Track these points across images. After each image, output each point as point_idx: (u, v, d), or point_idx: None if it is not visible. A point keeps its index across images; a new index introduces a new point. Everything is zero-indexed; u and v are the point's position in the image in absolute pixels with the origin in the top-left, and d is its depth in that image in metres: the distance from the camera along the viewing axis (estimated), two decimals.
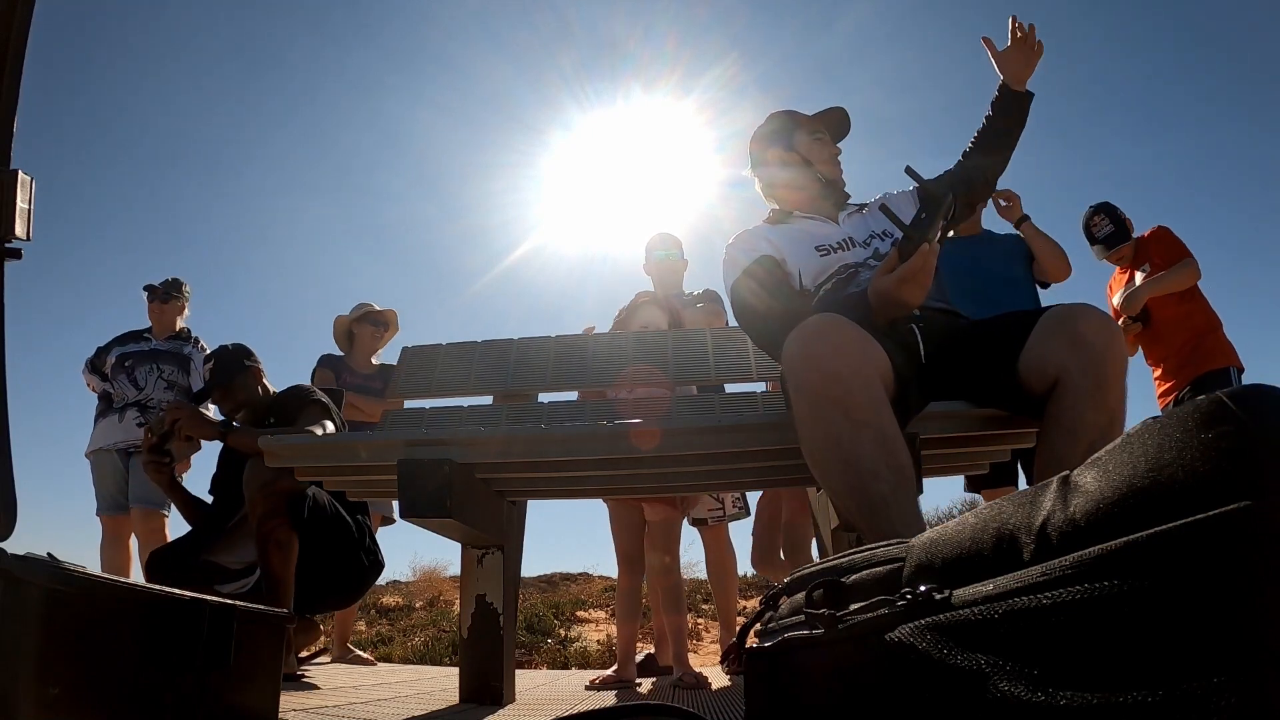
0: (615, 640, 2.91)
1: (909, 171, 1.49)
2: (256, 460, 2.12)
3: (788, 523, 2.76)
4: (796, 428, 1.22)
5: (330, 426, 2.29)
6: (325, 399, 2.43)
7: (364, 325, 3.65)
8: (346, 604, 2.80)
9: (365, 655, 3.54)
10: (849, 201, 1.82)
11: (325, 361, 3.64)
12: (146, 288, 3.73)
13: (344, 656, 3.40)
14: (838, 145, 1.85)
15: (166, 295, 3.71)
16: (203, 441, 2.45)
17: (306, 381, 2.81)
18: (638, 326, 2.62)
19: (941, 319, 1.51)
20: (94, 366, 3.69)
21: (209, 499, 2.57)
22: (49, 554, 0.86)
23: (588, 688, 2.48)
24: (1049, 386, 1.23)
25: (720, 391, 2.47)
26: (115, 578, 0.95)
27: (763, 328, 1.63)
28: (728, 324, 2.84)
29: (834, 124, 1.84)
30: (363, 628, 6.23)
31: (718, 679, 2.62)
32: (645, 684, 2.62)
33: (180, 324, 3.75)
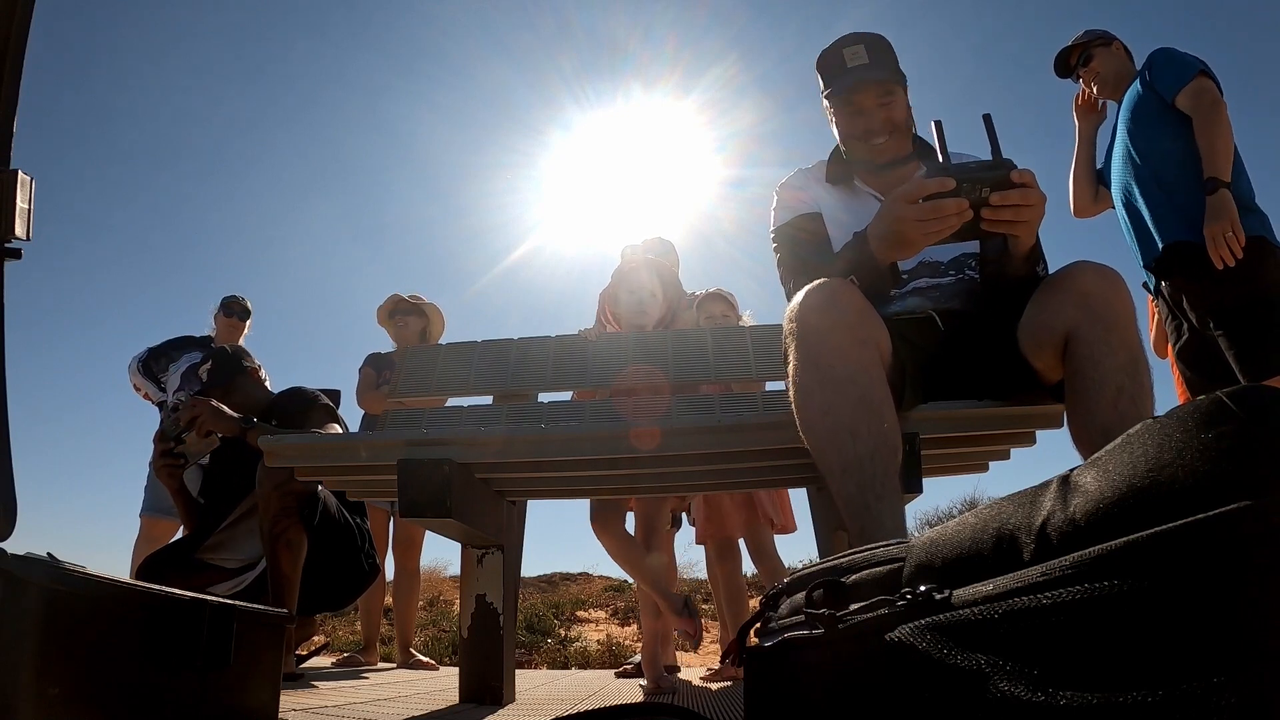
0: (614, 639, 2.90)
1: (986, 119, 1.23)
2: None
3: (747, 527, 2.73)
4: (790, 379, 1.23)
5: (337, 429, 2.29)
6: (328, 401, 2.43)
7: (392, 320, 3.44)
8: (339, 607, 2.78)
9: (427, 660, 3.44)
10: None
11: (370, 360, 3.47)
12: (225, 303, 3.53)
13: (406, 662, 3.36)
14: (890, 95, 1.51)
15: (245, 314, 3.55)
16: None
17: (306, 383, 2.80)
18: (626, 293, 2.55)
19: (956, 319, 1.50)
20: (147, 370, 3.38)
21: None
22: (49, 554, 0.86)
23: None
24: (1060, 347, 1.22)
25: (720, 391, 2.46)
26: (115, 578, 0.95)
27: (788, 284, 1.56)
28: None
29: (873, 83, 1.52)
30: (360, 627, 6.22)
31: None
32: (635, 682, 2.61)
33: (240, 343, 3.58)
